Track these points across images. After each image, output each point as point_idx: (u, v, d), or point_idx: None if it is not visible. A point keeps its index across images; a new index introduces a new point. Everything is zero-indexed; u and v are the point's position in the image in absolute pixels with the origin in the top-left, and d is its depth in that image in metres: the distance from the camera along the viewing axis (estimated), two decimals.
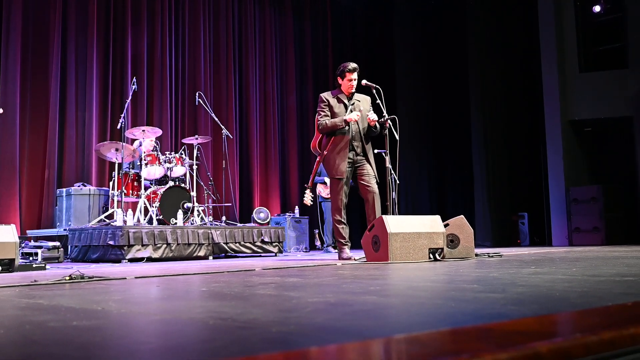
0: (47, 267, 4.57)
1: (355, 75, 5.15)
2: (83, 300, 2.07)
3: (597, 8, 9.86)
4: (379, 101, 5.10)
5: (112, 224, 6.29)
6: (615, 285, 2.19)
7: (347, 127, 5.04)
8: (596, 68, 9.83)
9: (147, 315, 1.70)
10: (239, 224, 7.33)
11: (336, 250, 8.30)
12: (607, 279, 2.43)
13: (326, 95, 5.23)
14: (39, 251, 5.26)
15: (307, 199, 5.60)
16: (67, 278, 2.93)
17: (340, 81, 5.20)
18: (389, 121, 5.10)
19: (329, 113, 5.15)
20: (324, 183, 8.31)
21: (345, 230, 5.16)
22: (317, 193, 8.56)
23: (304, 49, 11.48)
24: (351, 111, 5.11)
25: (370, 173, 5.10)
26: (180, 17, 9.49)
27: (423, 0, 12.10)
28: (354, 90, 5.17)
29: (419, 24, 12.27)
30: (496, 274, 2.89)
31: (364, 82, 5.20)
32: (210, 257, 6.34)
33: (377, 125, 5.11)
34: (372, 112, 5.10)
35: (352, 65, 5.16)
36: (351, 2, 12.16)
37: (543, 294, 1.92)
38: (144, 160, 6.79)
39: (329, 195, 8.32)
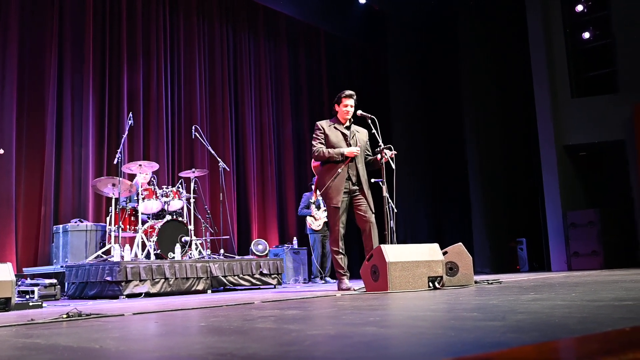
0: (44, 305, 4.52)
1: (351, 102, 5.18)
2: (81, 338, 2.06)
3: (586, 34, 10.03)
4: (374, 131, 5.13)
5: (109, 259, 6.25)
6: (615, 310, 2.18)
7: (341, 158, 5.07)
8: (588, 93, 9.95)
9: (146, 353, 1.69)
10: (237, 257, 7.30)
11: (322, 282, 8.37)
12: (606, 304, 2.42)
13: (322, 123, 5.26)
14: (36, 289, 5.22)
15: (313, 219, 5.70)
16: (65, 316, 2.91)
17: (337, 108, 5.24)
18: (385, 150, 5.12)
19: (323, 141, 5.18)
20: (313, 216, 8.52)
21: (343, 261, 5.14)
22: (308, 225, 8.67)
23: (298, 81, 11.60)
24: (351, 144, 5.13)
25: (365, 203, 5.10)
26: (175, 51, 9.60)
27: (416, 30, 12.30)
28: (349, 116, 5.20)
29: (413, 53, 12.44)
30: (496, 301, 2.88)
31: (359, 112, 5.22)
32: (209, 291, 6.29)
33: (390, 161, 5.08)
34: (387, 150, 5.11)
35: (349, 91, 5.23)
36: (344, 33, 12.34)
37: (543, 321, 1.92)
38: (141, 194, 6.78)
39: (319, 228, 8.50)
